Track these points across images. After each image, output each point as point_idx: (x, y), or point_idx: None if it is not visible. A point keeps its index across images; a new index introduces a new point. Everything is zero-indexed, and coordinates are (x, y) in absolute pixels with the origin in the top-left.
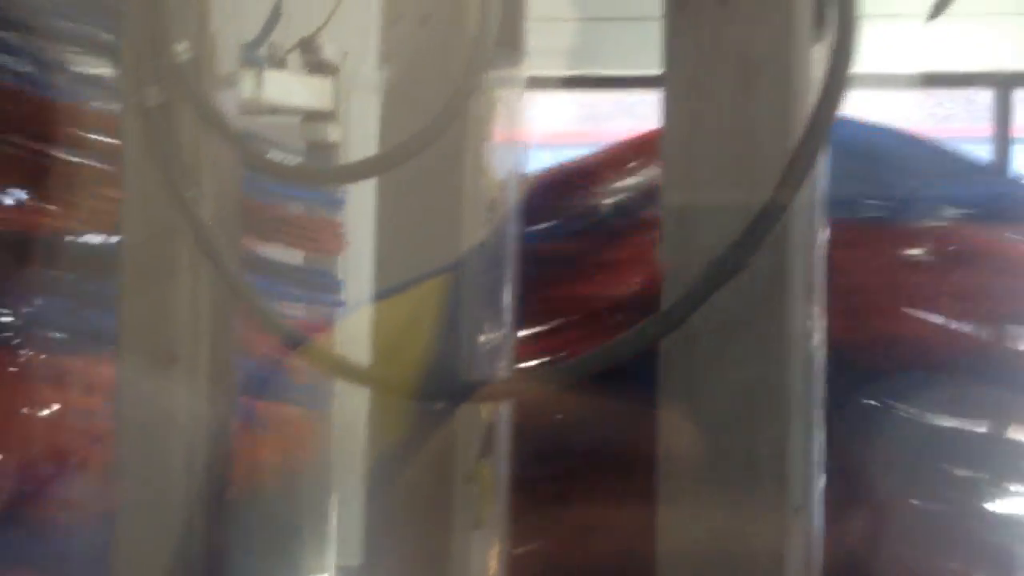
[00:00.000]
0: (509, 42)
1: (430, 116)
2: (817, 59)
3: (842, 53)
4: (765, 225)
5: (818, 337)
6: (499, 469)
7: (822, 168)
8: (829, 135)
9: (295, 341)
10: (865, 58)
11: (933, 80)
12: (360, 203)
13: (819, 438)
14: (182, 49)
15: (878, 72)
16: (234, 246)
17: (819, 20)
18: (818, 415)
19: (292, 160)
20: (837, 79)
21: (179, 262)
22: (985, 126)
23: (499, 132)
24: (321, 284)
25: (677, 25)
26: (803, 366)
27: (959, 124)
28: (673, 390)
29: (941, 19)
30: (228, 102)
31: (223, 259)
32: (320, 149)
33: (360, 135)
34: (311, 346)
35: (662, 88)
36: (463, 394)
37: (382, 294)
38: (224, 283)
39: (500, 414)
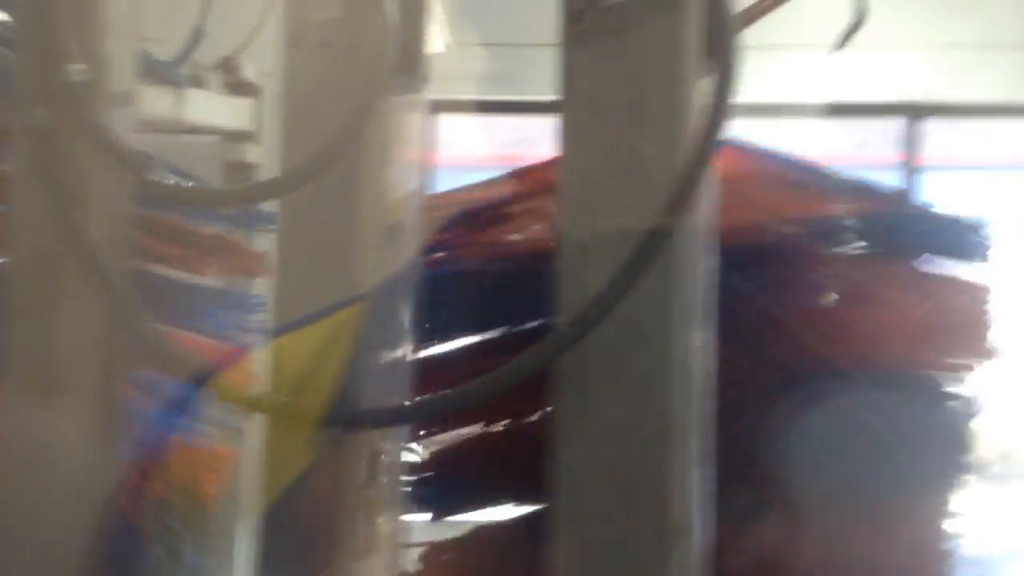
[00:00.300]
0: (409, 68)
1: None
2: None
3: (724, 84)
4: (651, 250)
5: (705, 362)
6: (390, 494)
7: (710, 195)
8: (712, 163)
9: (185, 368)
10: (776, 86)
11: (843, 110)
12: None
13: (705, 462)
14: (76, 70)
15: (789, 101)
16: (124, 272)
17: (708, 52)
18: (704, 439)
19: (211, 181)
20: (719, 109)
21: (67, 287)
22: (898, 154)
23: (401, 155)
24: (242, 307)
25: (572, 55)
26: (685, 390)
27: (873, 152)
28: (565, 413)
29: (848, 49)
30: (127, 121)
31: (111, 285)
32: (239, 170)
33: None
34: (206, 374)
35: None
36: (367, 421)
37: (295, 323)
38: (112, 309)
39: (393, 439)
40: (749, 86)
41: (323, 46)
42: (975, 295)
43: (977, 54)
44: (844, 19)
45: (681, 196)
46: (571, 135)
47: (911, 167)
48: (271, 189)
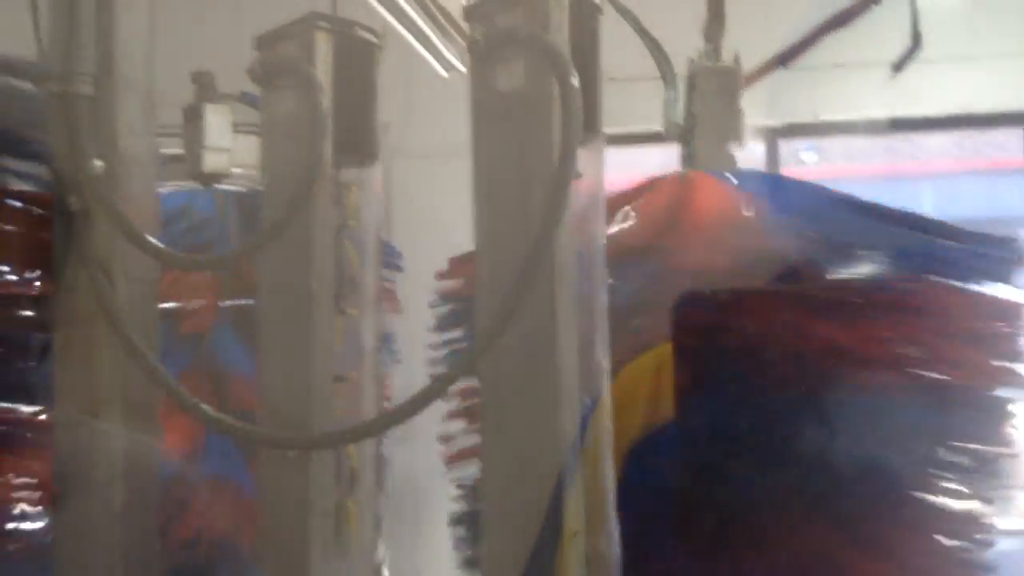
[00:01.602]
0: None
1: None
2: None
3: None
4: (528, 281)
5: (600, 383)
6: (368, 503)
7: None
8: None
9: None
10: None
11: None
12: None
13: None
14: (97, 165)
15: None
16: (150, 328)
17: (590, 125)
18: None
19: None
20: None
21: (101, 339)
22: None
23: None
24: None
25: (478, 131)
26: (572, 411)
27: None
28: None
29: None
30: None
31: (132, 340)
32: None
33: None
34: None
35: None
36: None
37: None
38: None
39: (367, 453)
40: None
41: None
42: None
43: None
44: None
45: (543, 233)
46: (479, 188)
47: None
48: (242, 252)
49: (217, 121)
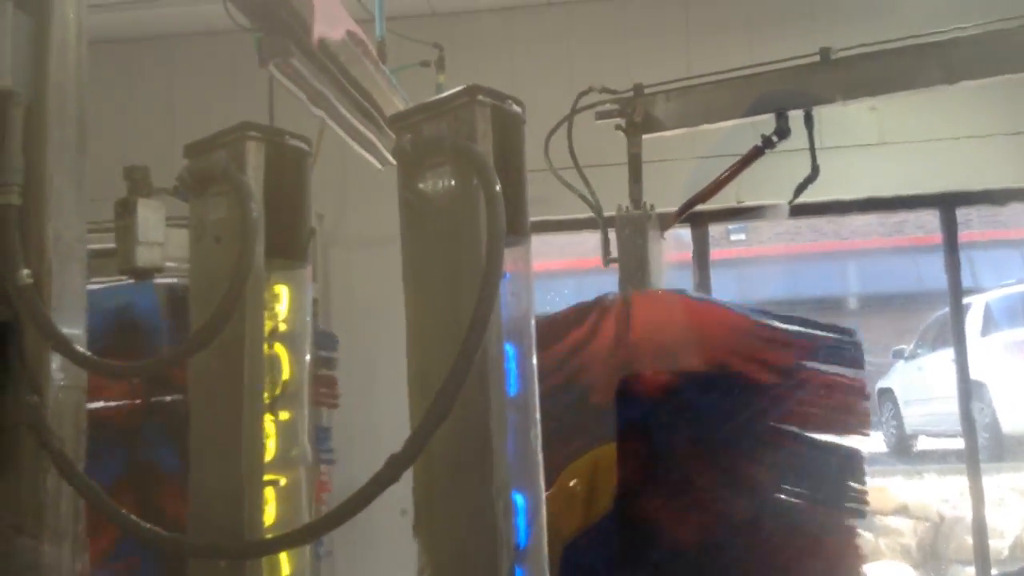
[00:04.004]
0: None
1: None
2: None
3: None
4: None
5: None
6: None
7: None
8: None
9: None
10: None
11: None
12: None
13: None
14: (25, 274)
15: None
16: (79, 437)
17: (516, 228)
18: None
19: None
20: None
21: (27, 451)
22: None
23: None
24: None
25: (407, 233)
26: (507, 509)
27: None
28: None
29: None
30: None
31: (61, 452)
32: None
33: None
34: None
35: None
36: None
37: None
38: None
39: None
40: None
41: (217, 240)
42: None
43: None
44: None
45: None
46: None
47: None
48: (173, 356)
49: (150, 216)
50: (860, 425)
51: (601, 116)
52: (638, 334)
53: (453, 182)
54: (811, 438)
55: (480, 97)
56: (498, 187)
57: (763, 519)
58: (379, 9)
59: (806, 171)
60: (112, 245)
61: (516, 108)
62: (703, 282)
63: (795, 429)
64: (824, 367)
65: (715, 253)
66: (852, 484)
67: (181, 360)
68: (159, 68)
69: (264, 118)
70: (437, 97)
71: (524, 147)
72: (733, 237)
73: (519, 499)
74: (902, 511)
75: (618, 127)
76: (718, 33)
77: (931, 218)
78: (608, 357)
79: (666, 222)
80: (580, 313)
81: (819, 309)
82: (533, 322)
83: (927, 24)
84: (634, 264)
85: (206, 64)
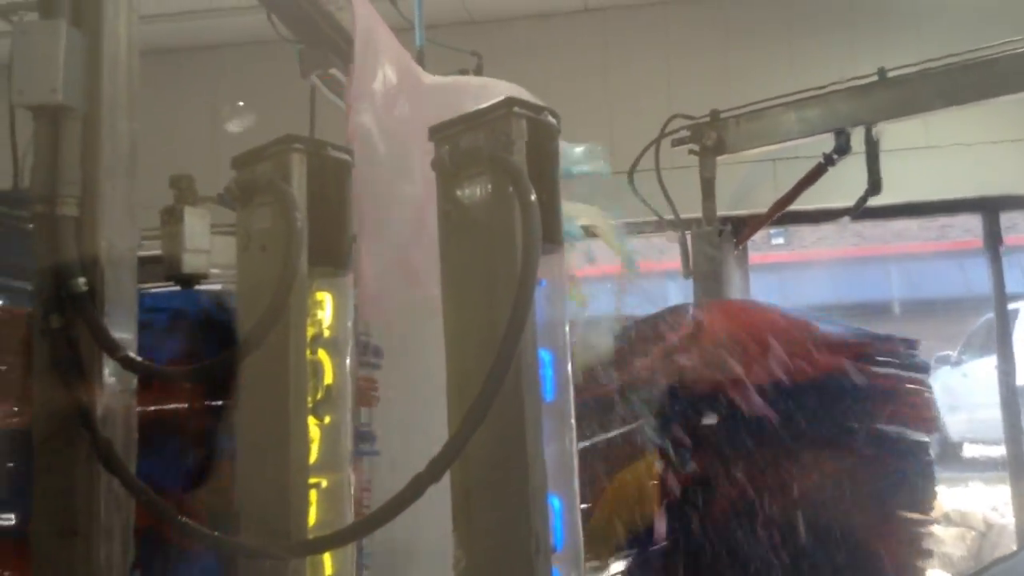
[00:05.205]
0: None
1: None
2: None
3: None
4: (495, 384)
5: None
6: None
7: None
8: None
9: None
10: None
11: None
12: None
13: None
14: (80, 282)
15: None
16: (130, 441)
17: (550, 236)
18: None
19: None
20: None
21: (79, 454)
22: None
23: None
24: None
25: (445, 241)
26: (543, 514)
27: None
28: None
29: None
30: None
31: (114, 454)
32: None
33: None
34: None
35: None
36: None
37: None
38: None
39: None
40: None
41: (263, 249)
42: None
43: None
44: None
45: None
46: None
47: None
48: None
49: (196, 223)
50: (931, 428)
51: (677, 143)
52: (711, 342)
53: (490, 192)
54: (899, 439)
55: (516, 109)
56: (533, 196)
57: (842, 521)
58: (418, 18)
59: (842, 175)
60: (158, 252)
61: (551, 119)
62: (743, 288)
63: (890, 430)
64: (903, 373)
65: (755, 258)
66: (928, 484)
67: (229, 366)
68: (204, 77)
69: (306, 125)
70: (474, 109)
71: (559, 157)
72: (774, 241)
73: (555, 502)
74: (947, 520)
75: (691, 152)
76: (756, 39)
77: (977, 222)
78: (679, 363)
79: (743, 236)
80: (652, 322)
81: (862, 314)
82: (568, 329)
83: (970, 38)
84: (708, 277)
85: (250, 73)
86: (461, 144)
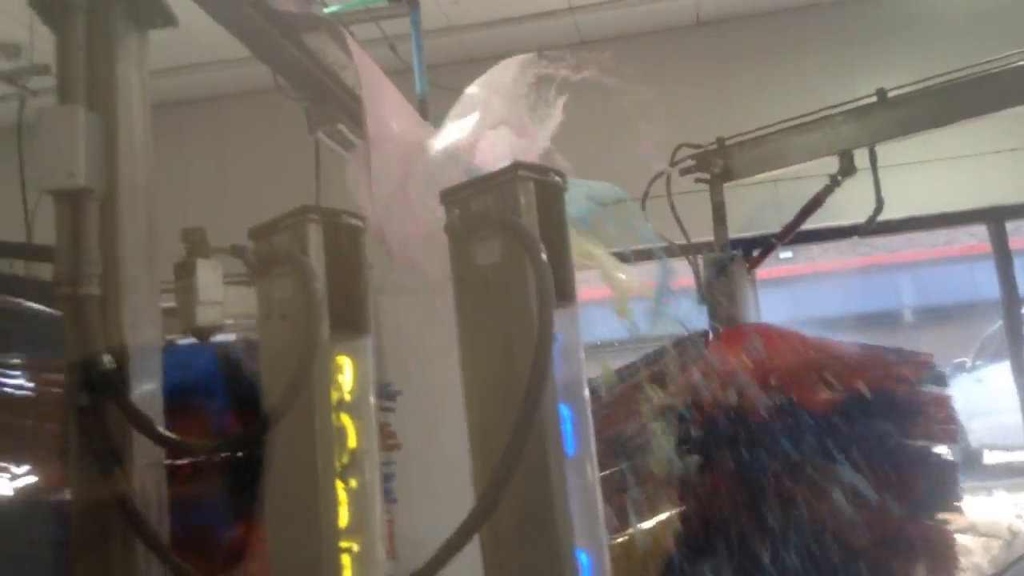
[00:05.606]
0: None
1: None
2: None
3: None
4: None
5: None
6: None
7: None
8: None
9: None
10: None
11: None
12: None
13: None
14: (107, 360)
15: None
16: (162, 511)
17: (563, 293)
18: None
19: None
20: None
21: (114, 528)
22: None
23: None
24: None
25: (461, 303)
26: (573, 567)
27: None
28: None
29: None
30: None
31: (147, 527)
32: None
33: None
34: None
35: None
36: None
37: None
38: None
39: None
40: None
41: (284, 318)
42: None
43: None
44: None
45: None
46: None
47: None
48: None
49: (209, 275)
50: (954, 438)
51: (684, 172)
52: (732, 366)
53: (502, 254)
54: (929, 451)
55: (521, 172)
56: (544, 257)
57: (881, 529)
58: (417, 65)
59: (845, 192)
60: (172, 304)
61: (556, 179)
62: (755, 306)
63: (922, 444)
64: (929, 386)
65: (763, 273)
66: (954, 492)
67: (256, 438)
68: (208, 129)
69: (310, 171)
70: (483, 175)
71: (566, 215)
72: (781, 255)
73: (583, 558)
74: (971, 529)
75: (698, 180)
76: (753, 63)
77: (983, 226)
78: (702, 390)
79: (753, 262)
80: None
81: (874, 325)
82: (586, 382)
83: (966, 55)
84: (721, 302)
85: (253, 122)
86: (472, 208)
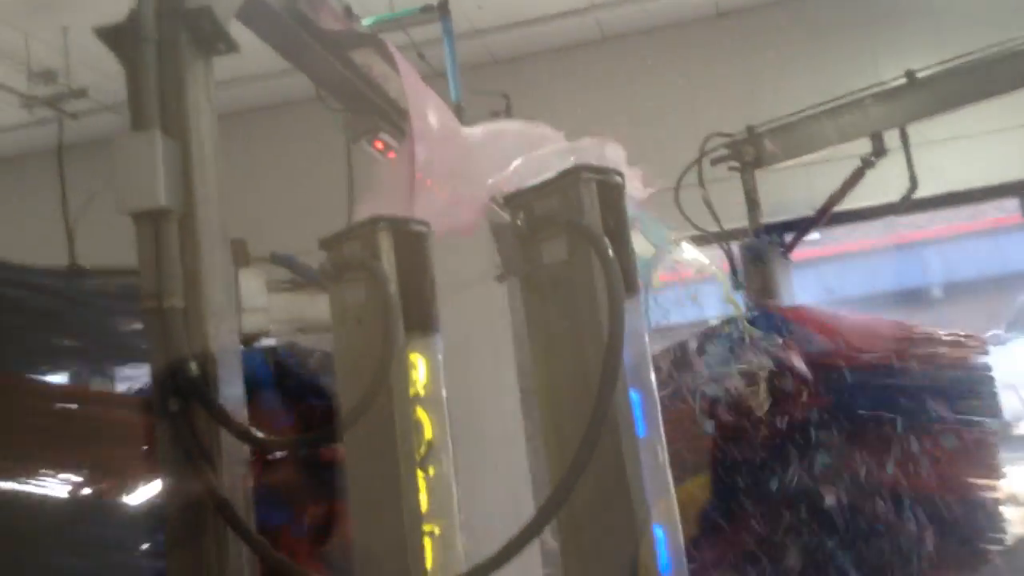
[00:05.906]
0: (424, 324)
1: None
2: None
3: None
4: (594, 434)
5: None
6: None
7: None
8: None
9: None
10: None
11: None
12: None
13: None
14: (192, 367)
15: None
16: (249, 506)
17: (628, 286)
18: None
19: None
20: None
21: (208, 524)
22: None
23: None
24: None
25: (530, 302)
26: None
27: None
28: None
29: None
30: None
31: (239, 520)
32: None
33: None
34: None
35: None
36: None
37: None
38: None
39: None
40: None
41: (360, 323)
42: None
43: None
44: None
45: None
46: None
47: None
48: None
49: (252, 283)
50: (996, 413)
51: (716, 161)
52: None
53: (568, 253)
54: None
55: (584, 175)
56: (611, 253)
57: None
58: (452, 72)
59: (874, 171)
60: None
61: (617, 178)
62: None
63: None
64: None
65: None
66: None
67: (337, 436)
68: (239, 142)
69: (340, 182)
70: (547, 177)
71: (627, 211)
72: (807, 237)
73: (659, 532)
74: (1012, 500)
75: (731, 168)
76: (779, 50)
77: (1009, 200)
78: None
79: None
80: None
81: (905, 302)
82: (651, 366)
83: (990, 33)
84: (758, 286)
85: (282, 133)
86: (535, 211)
